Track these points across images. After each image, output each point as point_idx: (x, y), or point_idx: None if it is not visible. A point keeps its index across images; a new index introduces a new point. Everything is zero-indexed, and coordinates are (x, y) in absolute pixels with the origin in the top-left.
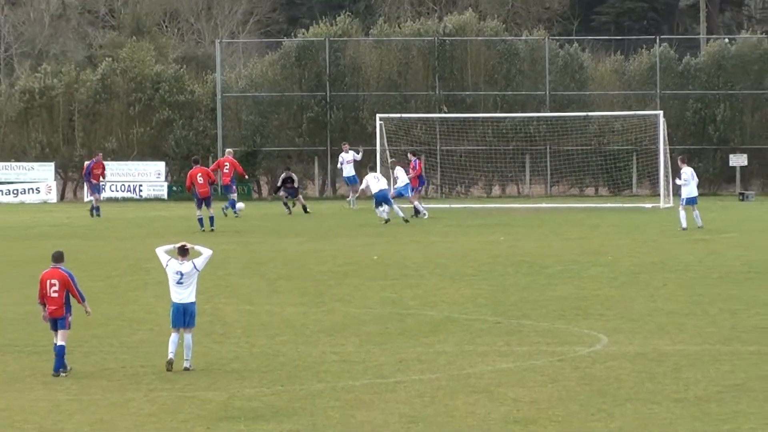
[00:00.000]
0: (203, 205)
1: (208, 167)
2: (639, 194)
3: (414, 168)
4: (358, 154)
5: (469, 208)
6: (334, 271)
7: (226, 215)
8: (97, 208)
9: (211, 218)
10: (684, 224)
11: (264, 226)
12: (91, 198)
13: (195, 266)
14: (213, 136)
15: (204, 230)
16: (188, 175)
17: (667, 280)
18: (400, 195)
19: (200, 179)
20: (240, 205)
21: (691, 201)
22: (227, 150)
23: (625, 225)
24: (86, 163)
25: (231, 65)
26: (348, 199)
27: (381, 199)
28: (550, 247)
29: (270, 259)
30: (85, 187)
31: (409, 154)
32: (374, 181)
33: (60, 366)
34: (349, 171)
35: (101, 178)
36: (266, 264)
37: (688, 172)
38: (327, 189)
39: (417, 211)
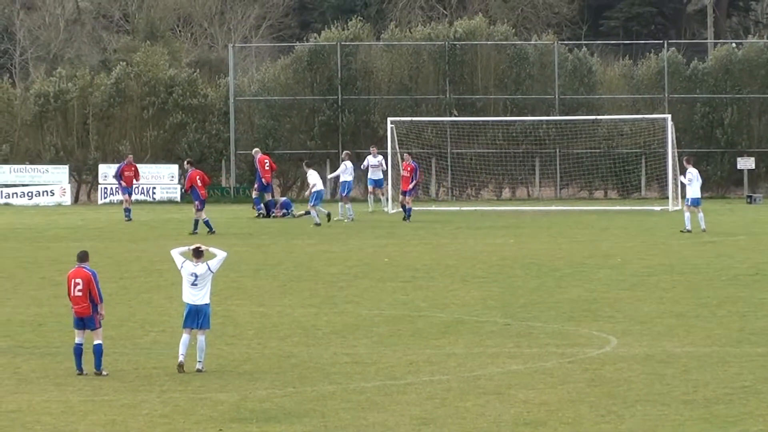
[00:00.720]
0: (201, 208)
1: (220, 170)
2: (648, 197)
3: (413, 171)
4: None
5: (479, 210)
6: (345, 272)
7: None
8: (128, 211)
9: (207, 221)
10: (688, 226)
11: (275, 227)
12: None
13: (209, 268)
14: (226, 139)
15: (215, 232)
16: (188, 178)
17: (676, 283)
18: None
19: (199, 182)
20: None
21: (694, 202)
22: (255, 149)
23: (634, 227)
24: (118, 165)
25: (244, 69)
26: (380, 200)
27: (318, 197)
28: (559, 250)
29: (281, 260)
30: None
31: (405, 155)
32: (318, 179)
33: (100, 364)
34: (375, 174)
35: (135, 181)
36: (277, 266)
37: (693, 173)
38: (338, 192)
39: (406, 213)
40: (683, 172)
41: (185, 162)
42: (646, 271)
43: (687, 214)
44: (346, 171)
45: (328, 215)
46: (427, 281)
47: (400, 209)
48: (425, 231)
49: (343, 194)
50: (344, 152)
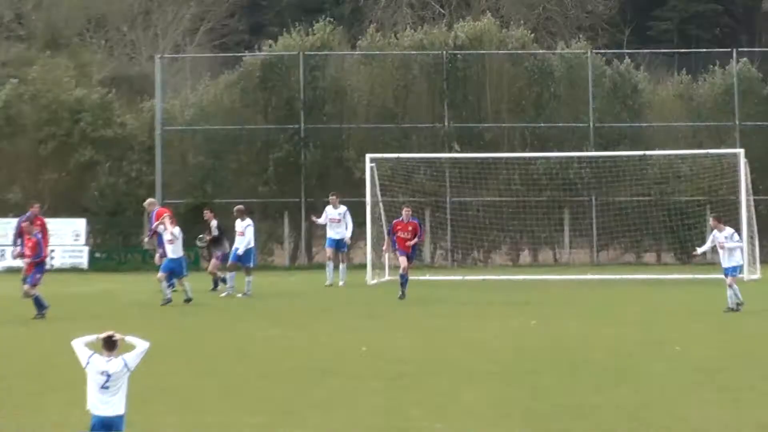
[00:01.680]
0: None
1: (141, 227)
2: (715, 261)
3: (415, 230)
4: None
5: (489, 280)
6: (309, 367)
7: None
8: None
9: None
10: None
11: (215, 304)
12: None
13: (126, 364)
14: (149, 183)
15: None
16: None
17: (756, 380)
18: (239, 258)
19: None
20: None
21: (734, 271)
22: (150, 200)
23: (697, 303)
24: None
25: (174, 88)
26: (340, 268)
27: (169, 268)
28: (598, 335)
29: (222, 350)
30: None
31: (404, 209)
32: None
33: None
34: (336, 231)
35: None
36: (217, 358)
37: (727, 234)
38: (300, 255)
39: (403, 288)
40: (709, 236)
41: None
42: (716, 364)
43: (735, 288)
44: (245, 236)
45: (187, 299)
46: (418, 379)
47: (398, 278)
48: (417, 309)
49: (233, 261)
50: (236, 208)
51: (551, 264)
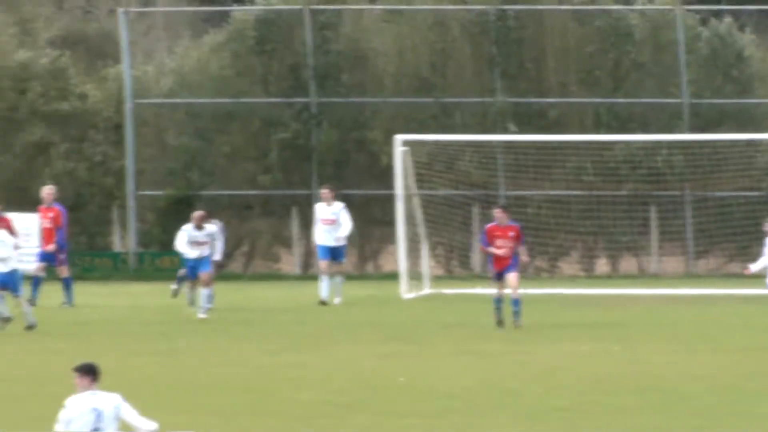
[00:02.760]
0: None
1: (110, 225)
2: None
3: (517, 236)
4: None
5: (555, 294)
6: (329, 401)
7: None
8: None
9: None
10: None
11: (206, 321)
12: None
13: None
14: (118, 170)
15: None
16: None
17: None
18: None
19: None
20: None
21: None
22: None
23: None
24: None
25: (145, 51)
26: (338, 280)
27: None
28: (694, 364)
29: (222, 380)
30: None
31: (498, 211)
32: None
33: None
34: (327, 236)
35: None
36: (215, 389)
37: None
38: (314, 261)
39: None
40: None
41: None
42: None
43: None
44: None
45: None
46: (468, 416)
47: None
48: (464, 331)
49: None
50: (195, 214)
51: (635, 275)
